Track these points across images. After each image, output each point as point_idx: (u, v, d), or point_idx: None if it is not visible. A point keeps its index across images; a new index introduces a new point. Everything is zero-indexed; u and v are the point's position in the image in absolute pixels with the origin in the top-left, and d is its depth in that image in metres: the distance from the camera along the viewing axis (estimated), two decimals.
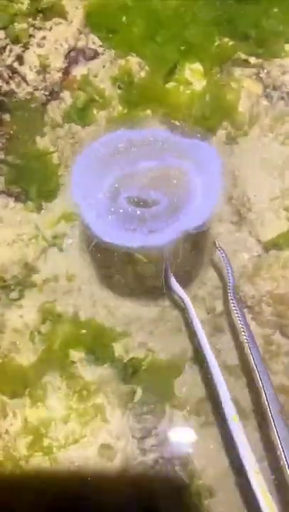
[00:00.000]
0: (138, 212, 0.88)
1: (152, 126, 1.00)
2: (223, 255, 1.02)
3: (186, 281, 1.09)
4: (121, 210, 0.89)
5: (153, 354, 1.04)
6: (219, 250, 1.04)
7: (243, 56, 1.12)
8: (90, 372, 1.00)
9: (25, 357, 1.04)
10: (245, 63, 1.12)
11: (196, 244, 1.12)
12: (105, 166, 0.92)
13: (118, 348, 1.04)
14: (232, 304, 0.96)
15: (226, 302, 1.11)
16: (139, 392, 1.00)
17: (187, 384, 1.03)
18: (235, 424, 0.85)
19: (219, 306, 1.09)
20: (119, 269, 1.13)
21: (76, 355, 1.03)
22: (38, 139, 1.15)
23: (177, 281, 1.01)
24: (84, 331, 1.06)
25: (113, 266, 1.14)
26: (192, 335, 1.06)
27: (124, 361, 1.02)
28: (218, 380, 0.89)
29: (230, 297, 0.98)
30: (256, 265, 1.10)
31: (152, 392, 0.99)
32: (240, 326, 0.94)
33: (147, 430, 0.98)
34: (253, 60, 1.13)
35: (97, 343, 1.03)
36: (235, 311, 0.95)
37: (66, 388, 0.99)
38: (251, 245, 1.12)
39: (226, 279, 1.05)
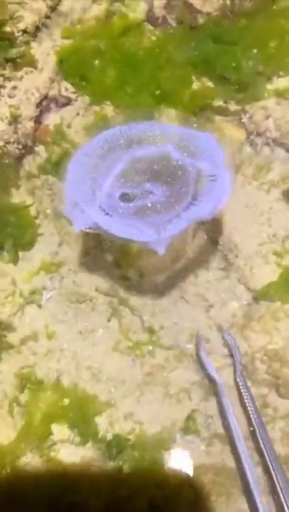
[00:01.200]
0: (149, 204, 0.87)
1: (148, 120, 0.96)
2: (231, 339, 0.99)
3: None
4: (131, 204, 0.87)
5: (140, 426, 0.96)
6: (228, 336, 1.00)
7: (222, 103, 1.08)
8: (71, 454, 0.92)
9: (5, 434, 0.95)
10: (225, 110, 1.07)
11: None
12: (105, 163, 0.90)
13: (102, 421, 0.96)
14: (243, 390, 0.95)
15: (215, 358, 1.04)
16: (126, 469, 0.91)
17: (178, 456, 0.95)
18: None
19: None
20: (102, 323, 1.07)
21: (57, 431, 0.95)
22: (13, 191, 1.10)
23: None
24: (66, 400, 0.98)
25: (96, 319, 1.08)
26: (183, 399, 0.99)
27: (109, 439, 0.94)
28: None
29: (240, 384, 0.95)
30: (247, 316, 1.03)
31: (141, 468, 0.91)
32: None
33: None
34: (233, 106, 1.08)
35: (80, 418, 0.95)
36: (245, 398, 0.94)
37: (46, 470, 0.90)
38: (241, 293, 1.06)
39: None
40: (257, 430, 0.92)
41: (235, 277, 1.07)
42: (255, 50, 1.07)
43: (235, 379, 0.97)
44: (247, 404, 0.94)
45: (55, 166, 1.09)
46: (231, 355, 0.99)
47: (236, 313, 1.04)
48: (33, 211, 1.11)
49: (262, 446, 0.91)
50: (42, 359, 1.04)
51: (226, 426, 0.95)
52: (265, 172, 1.08)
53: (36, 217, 1.12)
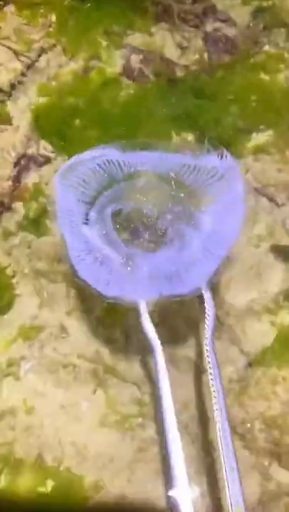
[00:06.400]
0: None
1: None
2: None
3: None
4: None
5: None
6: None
7: None
8: None
9: None
10: None
11: None
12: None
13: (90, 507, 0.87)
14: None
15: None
16: None
17: None
18: None
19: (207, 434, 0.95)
20: (87, 394, 0.99)
21: None
22: None
23: None
24: (50, 483, 0.89)
25: (80, 390, 0.99)
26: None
27: None
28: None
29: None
30: (242, 380, 0.96)
31: None
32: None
33: None
34: None
35: (67, 508, 0.86)
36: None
37: None
38: (234, 355, 0.99)
39: None
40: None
41: (227, 338, 1.01)
42: (234, 106, 1.06)
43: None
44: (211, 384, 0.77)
45: (34, 223, 1.04)
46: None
47: (232, 377, 0.97)
48: (9, 271, 1.05)
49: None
50: (21, 436, 0.94)
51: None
52: (252, 224, 1.05)
53: (13, 277, 1.06)
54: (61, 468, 0.92)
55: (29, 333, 1.02)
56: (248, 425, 0.91)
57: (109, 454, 0.93)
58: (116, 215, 0.83)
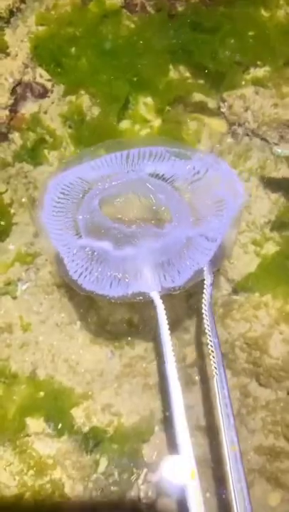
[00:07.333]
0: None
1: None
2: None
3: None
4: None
5: (118, 419, 0.94)
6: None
7: (200, 97, 1.06)
8: (46, 446, 0.89)
9: None
10: (204, 98, 1.06)
11: None
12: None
13: (79, 414, 0.93)
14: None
15: (198, 346, 1.03)
16: (104, 462, 0.89)
17: (158, 448, 0.93)
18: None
19: (190, 354, 1.00)
20: (80, 315, 1.05)
21: (32, 424, 0.92)
22: None
23: None
24: (42, 393, 0.96)
25: (73, 311, 1.05)
26: (162, 390, 0.97)
27: (85, 432, 0.91)
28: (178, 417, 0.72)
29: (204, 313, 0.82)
30: (226, 305, 1.02)
31: (118, 461, 0.88)
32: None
33: (114, 504, 0.87)
34: (211, 103, 1.07)
35: (56, 411, 0.92)
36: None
37: (19, 463, 0.87)
38: (220, 283, 1.05)
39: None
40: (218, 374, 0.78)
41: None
42: (232, 40, 1.06)
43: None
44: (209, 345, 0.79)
45: (31, 153, 1.07)
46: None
47: (216, 302, 1.02)
48: (7, 200, 1.08)
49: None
50: (17, 352, 1.01)
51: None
52: (244, 160, 1.07)
53: (10, 206, 1.09)
54: (53, 382, 0.98)
55: (26, 258, 1.07)
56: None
57: (99, 369, 1.00)
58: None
